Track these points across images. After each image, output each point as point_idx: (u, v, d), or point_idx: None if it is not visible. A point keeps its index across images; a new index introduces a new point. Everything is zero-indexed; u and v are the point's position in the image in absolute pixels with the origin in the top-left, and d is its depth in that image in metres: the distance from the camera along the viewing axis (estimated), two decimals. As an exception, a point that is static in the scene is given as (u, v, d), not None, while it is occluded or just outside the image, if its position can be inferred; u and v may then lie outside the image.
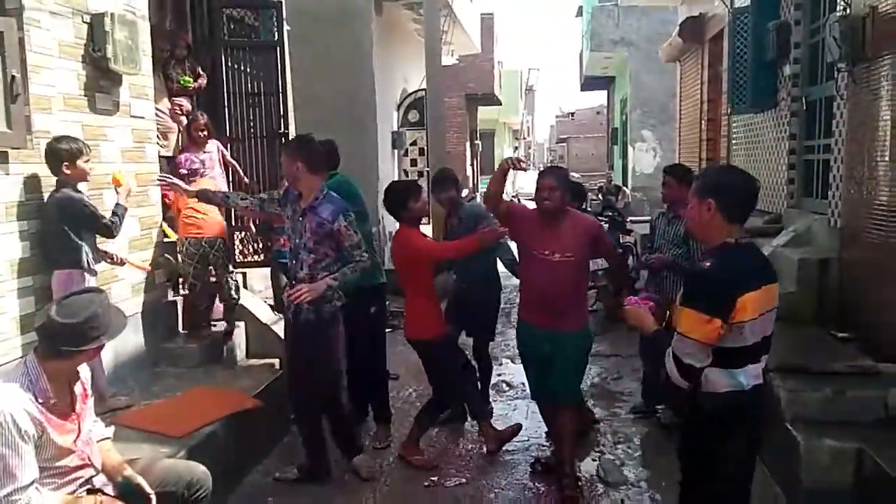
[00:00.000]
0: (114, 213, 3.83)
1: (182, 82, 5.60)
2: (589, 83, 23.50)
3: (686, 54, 11.54)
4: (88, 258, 3.72)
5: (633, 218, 10.88)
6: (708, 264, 2.33)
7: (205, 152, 5.46)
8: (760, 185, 2.42)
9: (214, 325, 5.10)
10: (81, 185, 3.80)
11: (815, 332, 4.60)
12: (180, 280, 5.02)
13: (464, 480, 4.08)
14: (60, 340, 2.30)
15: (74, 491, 2.43)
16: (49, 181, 3.73)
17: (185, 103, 5.68)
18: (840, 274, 4.84)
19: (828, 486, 3.34)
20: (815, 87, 6.05)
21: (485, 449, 4.40)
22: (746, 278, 2.24)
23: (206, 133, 5.49)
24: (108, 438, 2.69)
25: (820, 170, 5.90)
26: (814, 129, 6.06)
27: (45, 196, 3.73)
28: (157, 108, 5.17)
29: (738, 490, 2.43)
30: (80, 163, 3.65)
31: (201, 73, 5.83)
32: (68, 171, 3.63)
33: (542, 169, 4.08)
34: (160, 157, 5.14)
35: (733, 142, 8.47)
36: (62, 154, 3.60)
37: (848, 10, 4.66)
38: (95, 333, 2.34)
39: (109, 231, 3.78)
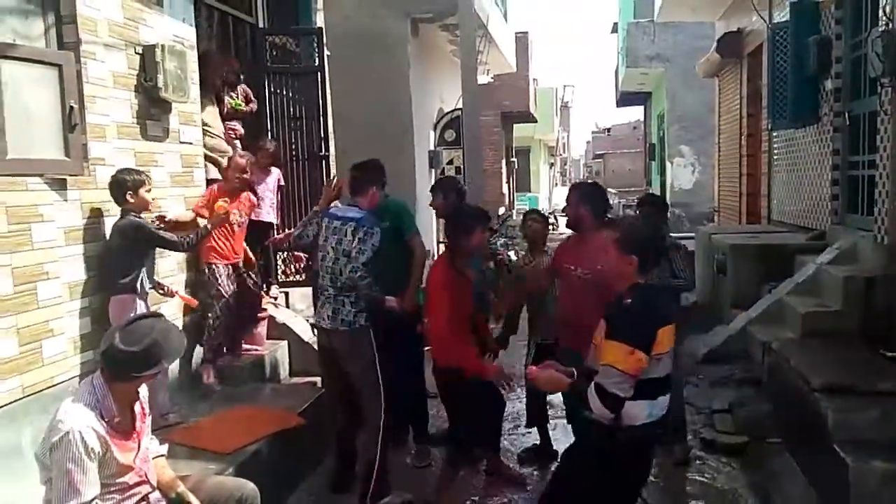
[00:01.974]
0: (195, 233, 4.23)
1: (234, 105, 5.72)
2: (625, 99, 23.43)
3: (724, 69, 11.45)
4: (144, 283, 3.91)
5: (672, 235, 10.73)
6: (630, 301, 2.58)
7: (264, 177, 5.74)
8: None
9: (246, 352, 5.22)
10: (143, 214, 4.00)
11: (862, 352, 4.51)
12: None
13: (506, 500, 4.08)
14: (124, 366, 2.41)
15: (131, 506, 2.51)
16: (105, 206, 3.90)
17: (238, 127, 5.82)
18: (888, 291, 4.75)
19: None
20: (858, 101, 5.97)
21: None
22: (663, 314, 2.55)
23: (271, 161, 5.76)
24: (162, 455, 2.77)
25: (865, 185, 5.80)
26: (858, 145, 5.97)
27: (102, 221, 3.90)
28: (209, 130, 5.32)
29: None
30: (142, 192, 3.87)
31: (252, 98, 5.93)
32: (132, 201, 3.83)
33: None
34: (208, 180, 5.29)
35: (774, 157, 8.37)
36: (127, 184, 3.81)
37: (890, 25, 4.62)
38: (156, 359, 2.45)
39: (176, 246, 4.11)
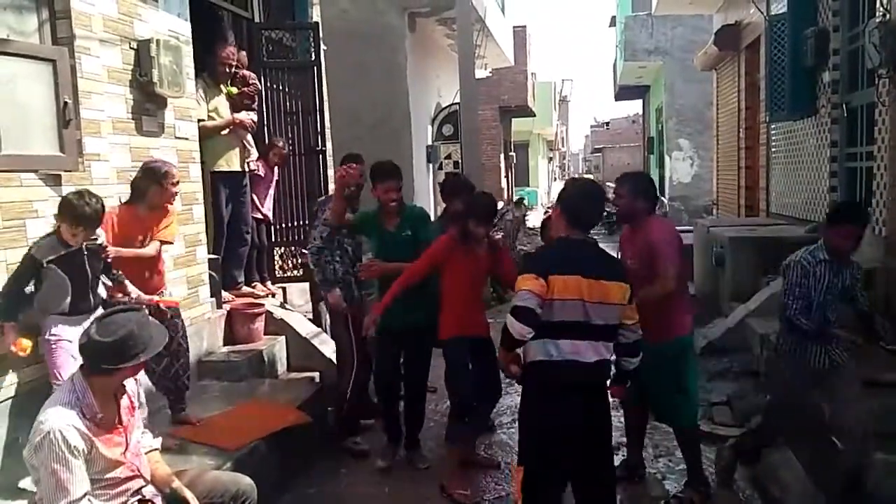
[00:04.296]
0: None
1: (227, 91, 5.59)
2: (623, 92, 23.39)
3: (722, 62, 11.43)
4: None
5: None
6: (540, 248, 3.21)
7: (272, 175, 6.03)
8: (600, 196, 3.00)
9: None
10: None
11: (861, 344, 4.50)
12: None
13: (504, 493, 4.08)
14: (102, 359, 2.39)
15: (126, 502, 2.51)
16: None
17: (244, 117, 5.58)
18: (886, 283, 4.74)
19: (878, 500, 3.27)
20: (856, 93, 5.95)
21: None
22: (557, 263, 2.81)
23: (282, 161, 6.07)
24: (156, 449, 2.77)
25: (863, 177, 5.79)
26: (856, 136, 5.96)
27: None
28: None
29: (529, 452, 2.94)
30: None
31: (251, 81, 5.74)
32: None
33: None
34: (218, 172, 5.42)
35: (772, 149, 8.36)
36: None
37: (887, 16, 4.60)
38: (135, 351, 2.42)
39: None
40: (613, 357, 2.95)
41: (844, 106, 6.12)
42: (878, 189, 5.10)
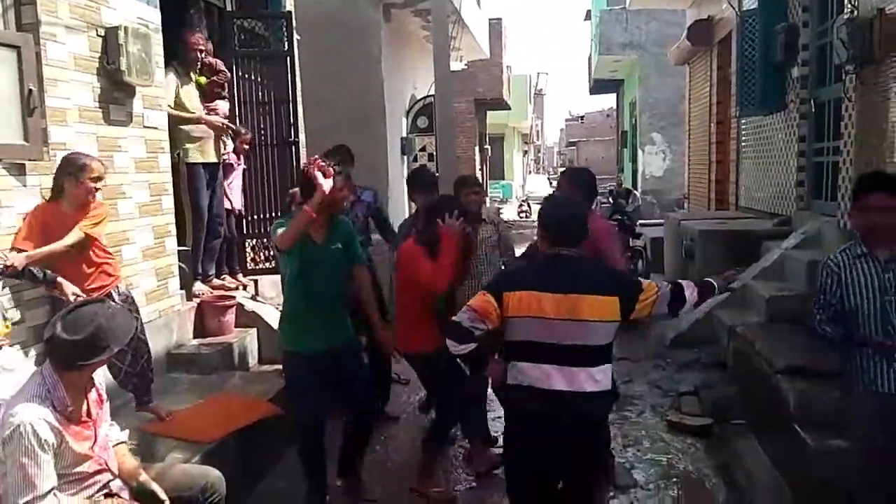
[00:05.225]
0: None
1: (197, 80, 5.50)
2: (598, 86, 23.54)
3: (695, 57, 11.55)
4: None
5: (642, 221, 10.88)
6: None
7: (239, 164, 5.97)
8: (574, 206, 2.83)
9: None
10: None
11: (825, 335, 4.58)
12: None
13: (474, 484, 4.10)
14: (70, 355, 2.34)
15: (92, 496, 2.47)
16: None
17: (213, 119, 5.45)
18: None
19: (839, 488, 3.34)
20: (824, 88, 6.05)
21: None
22: (517, 280, 2.65)
23: (248, 148, 6.02)
24: (123, 443, 2.74)
25: (829, 172, 5.90)
26: (823, 131, 6.07)
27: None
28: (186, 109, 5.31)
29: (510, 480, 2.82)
30: None
31: (220, 69, 5.64)
32: None
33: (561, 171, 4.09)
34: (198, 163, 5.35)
35: (742, 144, 8.47)
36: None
37: (855, 13, 4.67)
38: (104, 344, 2.37)
39: None
40: (601, 389, 2.60)
41: (812, 101, 6.23)
42: (843, 183, 5.19)
